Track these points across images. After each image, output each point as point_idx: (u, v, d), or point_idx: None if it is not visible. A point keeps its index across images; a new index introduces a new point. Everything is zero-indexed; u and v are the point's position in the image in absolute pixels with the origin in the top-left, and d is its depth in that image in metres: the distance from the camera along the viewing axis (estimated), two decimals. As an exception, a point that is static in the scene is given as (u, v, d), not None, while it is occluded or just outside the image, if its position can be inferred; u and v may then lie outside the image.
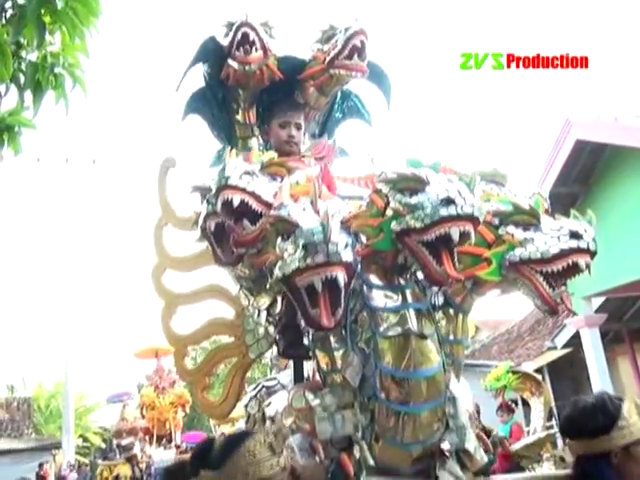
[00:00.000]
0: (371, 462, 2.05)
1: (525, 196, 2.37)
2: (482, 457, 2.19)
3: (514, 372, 7.17)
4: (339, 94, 3.46)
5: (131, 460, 12.85)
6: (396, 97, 3.44)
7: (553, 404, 10.44)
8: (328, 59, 3.04)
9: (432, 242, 1.86)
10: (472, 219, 1.83)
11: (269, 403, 2.59)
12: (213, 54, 3.12)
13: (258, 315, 2.77)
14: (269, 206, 2.10)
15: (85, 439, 26.90)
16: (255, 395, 2.94)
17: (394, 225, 1.92)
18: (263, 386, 2.97)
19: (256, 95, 3.27)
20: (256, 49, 3.00)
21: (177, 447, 14.21)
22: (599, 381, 9.50)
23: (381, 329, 2.07)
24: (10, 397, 26.32)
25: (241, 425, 3.21)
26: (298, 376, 2.66)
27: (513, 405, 7.83)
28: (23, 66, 2.41)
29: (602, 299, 10.25)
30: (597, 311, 10.35)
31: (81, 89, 2.56)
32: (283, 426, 2.26)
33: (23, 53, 2.43)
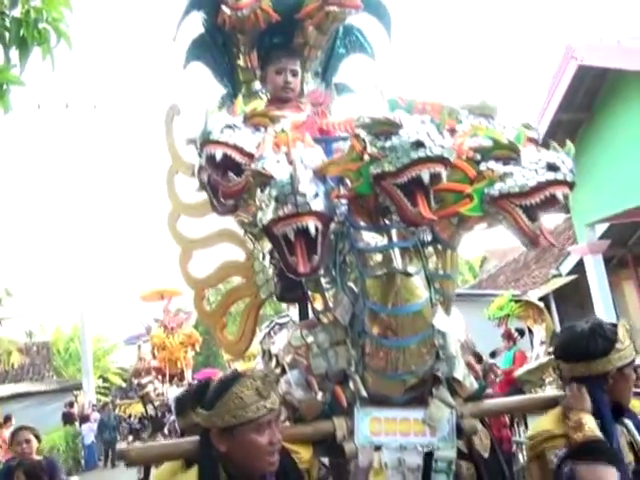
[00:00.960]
0: (364, 393, 2.18)
1: (513, 127, 2.37)
2: (472, 384, 2.29)
3: (516, 300, 7.20)
4: (341, 30, 3.42)
5: (144, 398, 13.41)
6: (398, 28, 3.40)
7: (559, 330, 10.52)
8: None
9: (406, 184, 1.91)
10: (442, 160, 1.87)
11: (273, 342, 2.73)
12: (207, 1, 3.12)
13: (263, 258, 2.87)
14: (252, 157, 2.17)
15: (105, 379, 28.00)
16: (269, 332, 3.09)
17: (371, 169, 1.97)
18: (276, 323, 3.12)
19: (256, 38, 3.27)
20: None
21: (189, 385, 14.82)
22: (602, 307, 9.64)
23: (368, 269, 2.16)
24: (29, 342, 27.22)
25: (258, 360, 3.38)
26: (302, 315, 2.78)
27: (516, 333, 7.91)
28: (7, 23, 2.42)
29: (606, 226, 10.30)
30: (601, 237, 10.38)
31: (66, 43, 2.58)
32: (271, 371, 2.41)
33: (4, 8, 2.43)
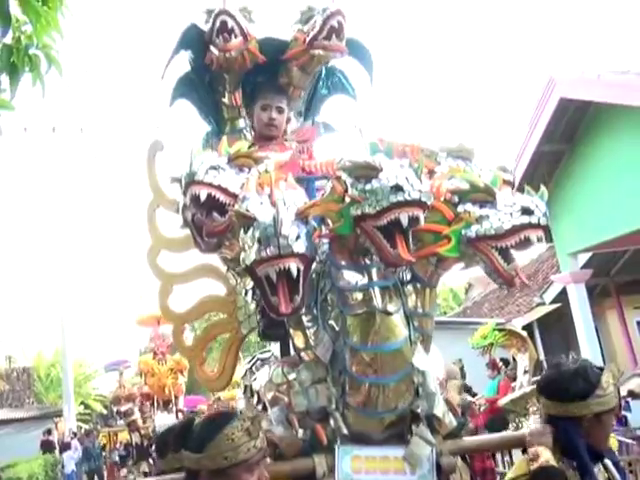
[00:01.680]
0: (344, 431, 2.21)
1: (490, 170, 2.45)
2: (451, 421, 2.33)
3: (500, 329, 7.26)
4: (323, 71, 3.52)
5: (130, 426, 13.19)
6: (378, 70, 3.50)
7: (543, 358, 10.72)
8: (307, 40, 3.10)
9: (386, 226, 1.97)
10: (420, 204, 1.93)
11: (255, 378, 2.75)
12: (195, 41, 3.20)
13: (246, 294, 2.91)
14: (237, 197, 2.22)
15: (86, 406, 27.45)
16: (250, 367, 3.11)
17: (352, 211, 2.03)
18: (258, 359, 3.14)
19: (241, 77, 3.35)
20: (235, 36, 3.07)
21: (179, 412, 14.67)
22: (585, 335, 9.71)
23: (348, 307, 2.21)
24: (9, 368, 26.74)
25: (239, 395, 3.39)
26: (284, 352, 2.81)
27: (500, 363, 7.97)
28: None
29: (588, 255, 10.43)
30: (584, 267, 10.50)
31: (56, 69, 2.60)
32: (253, 407, 2.43)
33: None
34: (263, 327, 2.67)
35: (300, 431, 2.26)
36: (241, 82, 3.39)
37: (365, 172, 2.01)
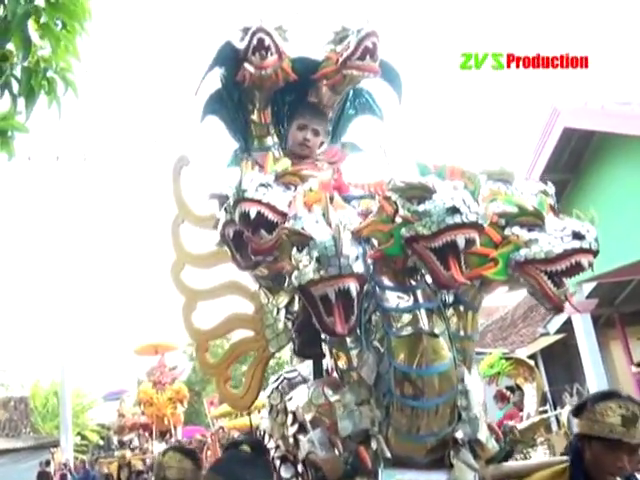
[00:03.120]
0: (387, 454, 2.18)
1: (531, 193, 2.45)
2: (494, 446, 2.31)
3: (507, 358, 7.25)
4: (351, 92, 3.54)
5: (119, 461, 12.99)
6: (405, 92, 3.52)
7: (547, 389, 10.61)
8: (341, 60, 3.12)
9: (439, 248, 1.96)
10: (476, 226, 1.93)
11: (290, 397, 2.71)
12: (229, 58, 3.21)
13: (277, 312, 2.88)
14: (284, 215, 2.21)
15: (83, 437, 27.05)
16: (277, 387, 3.07)
17: (403, 232, 2.02)
18: (284, 378, 3.10)
19: (271, 95, 3.36)
20: (271, 54, 3.08)
21: (177, 442, 14.57)
22: (591, 366, 9.67)
23: (394, 329, 2.19)
24: (6, 397, 26.20)
25: (263, 415, 3.34)
26: (317, 372, 2.78)
27: (508, 392, 7.95)
28: (17, 72, 2.45)
29: (593, 284, 10.34)
30: (588, 296, 10.45)
31: (73, 92, 2.61)
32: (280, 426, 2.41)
33: (15, 59, 2.46)
34: (299, 345, 2.64)
35: (342, 455, 2.23)
36: (270, 100, 3.40)
37: (418, 193, 2.01)
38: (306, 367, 3.19)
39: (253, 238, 2.23)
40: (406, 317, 2.19)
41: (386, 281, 2.24)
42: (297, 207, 2.17)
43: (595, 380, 9.46)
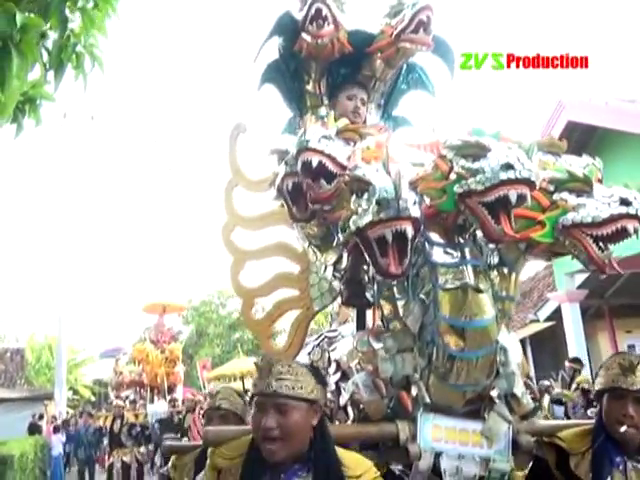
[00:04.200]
0: (427, 400, 2.29)
1: (580, 166, 2.52)
2: (529, 402, 2.40)
3: None
4: (405, 66, 3.62)
5: (114, 412, 13.23)
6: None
7: (533, 374, 10.85)
8: (395, 33, 3.21)
9: (491, 203, 2.06)
10: (529, 183, 2.02)
11: (334, 348, 2.84)
12: (288, 28, 3.32)
13: (324, 270, 3.01)
14: (343, 167, 2.33)
15: (75, 392, 27.66)
16: (318, 344, 3.20)
17: (457, 187, 2.12)
18: (325, 336, 3.23)
19: (326, 66, 3.47)
20: (328, 24, 3.18)
21: (174, 400, 14.80)
22: (577, 353, 9.87)
23: (441, 282, 2.29)
24: (3, 348, 26.69)
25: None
26: (360, 324, 2.90)
27: None
28: (49, 44, 2.60)
29: (585, 275, 10.53)
30: (579, 287, 10.72)
31: (99, 68, 2.78)
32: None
33: (48, 32, 2.61)
34: (347, 296, 2.77)
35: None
36: (326, 72, 3.51)
37: (474, 151, 2.10)
38: (346, 329, 3.31)
39: (313, 186, 2.35)
40: (453, 272, 2.29)
41: (435, 237, 2.34)
42: (356, 160, 2.29)
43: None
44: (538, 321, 13.82)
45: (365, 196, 2.08)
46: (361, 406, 2.33)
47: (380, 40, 3.33)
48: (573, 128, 8.95)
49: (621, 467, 2.15)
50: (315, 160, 2.31)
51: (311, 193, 2.38)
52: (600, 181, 2.46)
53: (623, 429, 2.11)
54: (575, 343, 10.09)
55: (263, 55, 3.45)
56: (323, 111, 3.55)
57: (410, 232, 2.03)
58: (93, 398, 28.19)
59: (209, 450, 2.04)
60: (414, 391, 2.31)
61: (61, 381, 21.92)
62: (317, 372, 2.01)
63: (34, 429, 17.97)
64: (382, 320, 2.54)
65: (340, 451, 1.96)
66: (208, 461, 2.01)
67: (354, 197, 2.16)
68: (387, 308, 2.44)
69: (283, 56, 3.49)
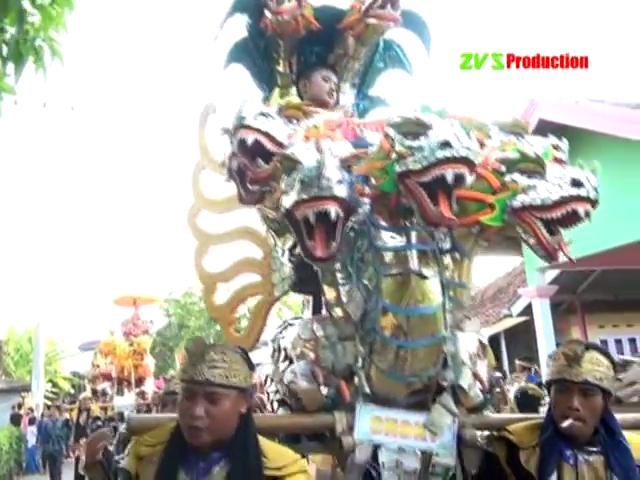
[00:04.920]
0: (367, 390, 2.19)
1: (542, 146, 2.39)
2: (477, 395, 2.28)
3: None
4: (381, 44, 3.49)
5: (80, 405, 13.20)
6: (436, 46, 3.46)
7: (507, 368, 11.71)
8: (363, 8, 3.09)
9: (430, 184, 1.94)
10: (467, 162, 1.89)
11: (284, 336, 2.74)
12: (251, 4, 3.21)
13: (282, 255, 2.90)
14: (282, 146, 2.21)
15: (54, 384, 27.59)
16: (280, 331, 3.10)
17: (397, 167, 2.00)
18: (288, 324, 3.13)
19: (295, 45, 3.35)
20: (289, 0, 3.07)
21: (142, 393, 14.83)
22: (545, 347, 10.00)
23: (384, 267, 2.18)
24: None
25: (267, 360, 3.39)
26: (316, 310, 2.80)
27: None
28: (7, 37, 2.64)
29: (557, 272, 10.77)
30: (551, 283, 10.91)
31: (59, 61, 2.80)
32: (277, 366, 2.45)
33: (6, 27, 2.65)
34: (295, 280, 2.67)
35: (323, 387, 2.24)
36: (296, 50, 3.39)
37: (414, 128, 1.98)
38: (312, 306, 3.21)
39: (250, 167, 2.24)
40: (396, 257, 2.18)
41: (381, 221, 2.23)
42: (296, 139, 2.17)
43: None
44: (511, 316, 14.05)
45: (292, 175, 1.97)
46: (299, 396, 2.23)
47: (349, 17, 3.21)
48: (544, 127, 8.98)
49: (571, 461, 2.04)
50: (250, 138, 2.20)
51: (249, 173, 2.27)
52: (560, 162, 2.32)
53: (567, 423, 2.00)
54: (544, 338, 10.21)
55: (228, 33, 3.34)
56: (294, 91, 3.43)
57: (334, 213, 1.92)
58: (72, 390, 28.40)
59: (132, 439, 1.97)
60: (356, 381, 2.21)
61: (38, 373, 21.91)
62: (248, 357, 1.91)
63: (16, 419, 18.18)
64: (326, 306, 2.44)
65: (264, 442, 1.89)
66: (130, 449, 1.93)
67: (285, 177, 2.05)
68: (330, 294, 2.33)
69: (251, 34, 3.38)
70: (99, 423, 11.84)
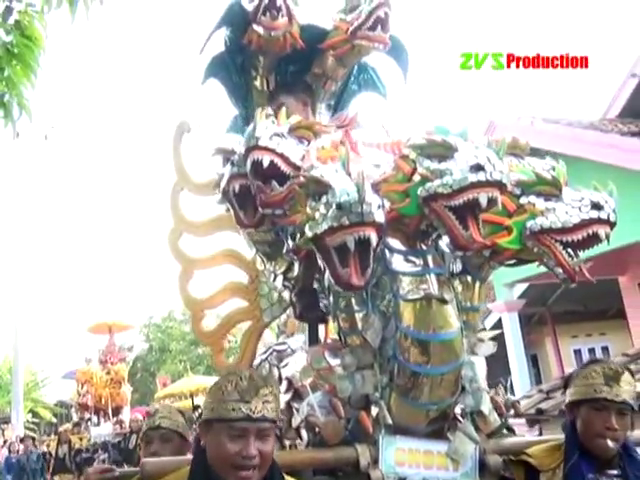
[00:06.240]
0: (389, 421, 2.11)
1: (543, 169, 2.40)
2: (495, 420, 2.25)
3: None
4: (356, 67, 3.46)
5: (60, 437, 12.74)
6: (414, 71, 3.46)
7: None
8: (351, 29, 3.03)
9: (458, 208, 1.90)
10: (500, 185, 1.87)
11: (286, 364, 2.64)
12: (237, 18, 3.10)
13: (274, 280, 2.80)
14: (297, 168, 2.12)
15: (35, 414, 26.79)
16: (266, 358, 2.99)
17: (421, 190, 1.95)
18: (274, 350, 3.03)
19: (274, 62, 3.27)
20: (282, 15, 2.97)
21: (120, 422, 14.48)
22: (517, 362, 10.57)
23: (402, 292, 2.11)
24: None
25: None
26: (313, 338, 2.71)
27: None
28: None
29: (525, 285, 11.11)
30: (520, 297, 11.31)
31: (27, 116, 2.92)
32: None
33: None
34: (300, 309, 2.57)
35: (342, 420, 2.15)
36: (274, 68, 3.31)
37: (440, 150, 1.94)
38: (295, 341, 3.13)
39: (264, 189, 2.14)
40: (415, 281, 2.12)
41: (396, 244, 2.17)
42: (311, 160, 2.09)
43: (519, 376, 10.36)
44: (485, 329, 14.12)
45: (323, 199, 1.88)
46: (317, 429, 2.13)
47: (334, 36, 3.15)
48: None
49: None
50: (266, 160, 2.10)
51: (261, 196, 2.16)
52: (566, 184, 2.34)
53: (612, 444, 1.98)
54: (515, 351, 10.52)
55: (210, 47, 3.23)
56: (270, 110, 3.35)
57: (374, 239, 1.84)
58: (54, 420, 27.15)
59: None
60: (374, 411, 2.13)
61: (18, 402, 21.12)
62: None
63: (-1, 450, 17.10)
64: (339, 334, 2.35)
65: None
66: None
67: (310, 200, 1.95)
68: (344, 321, 2.25)
69: (230, 49, 3.27)
70: (84, 456, 11.28)
